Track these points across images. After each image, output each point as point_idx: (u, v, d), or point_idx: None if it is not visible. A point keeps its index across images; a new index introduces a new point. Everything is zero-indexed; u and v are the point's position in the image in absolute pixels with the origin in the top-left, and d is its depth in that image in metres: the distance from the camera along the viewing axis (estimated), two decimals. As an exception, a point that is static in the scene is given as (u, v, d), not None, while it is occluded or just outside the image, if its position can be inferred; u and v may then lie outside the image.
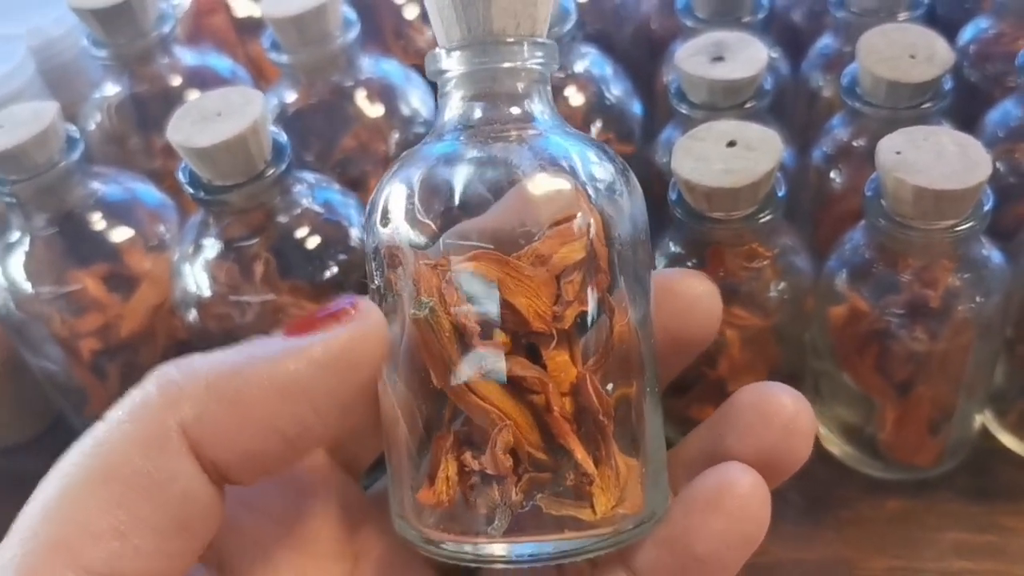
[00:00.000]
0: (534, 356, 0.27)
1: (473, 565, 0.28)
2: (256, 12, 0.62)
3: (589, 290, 0.28)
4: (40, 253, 0.49)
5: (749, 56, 0.48)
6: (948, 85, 0.47)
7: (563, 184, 0.28)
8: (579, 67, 0.53)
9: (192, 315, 0.47)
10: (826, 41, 0.56)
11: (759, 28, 0.55)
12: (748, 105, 0.48)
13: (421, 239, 0.28)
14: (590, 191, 0.28)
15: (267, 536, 0.29)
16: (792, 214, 0.49)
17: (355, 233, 0.47)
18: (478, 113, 0.30)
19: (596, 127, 0.53)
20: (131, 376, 0.51)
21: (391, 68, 0.55)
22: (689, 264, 0.46)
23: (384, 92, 0.54)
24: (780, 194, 0.43)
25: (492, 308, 0.27)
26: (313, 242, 0.46)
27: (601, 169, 0.29)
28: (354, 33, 0.52)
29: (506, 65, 0.29)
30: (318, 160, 0.54)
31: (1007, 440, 0.52)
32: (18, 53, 0.58)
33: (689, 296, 0.31)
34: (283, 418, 0.25)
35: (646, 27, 0.64)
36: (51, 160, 0.46)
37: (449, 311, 0.27)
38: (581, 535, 0.27)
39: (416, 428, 0.28)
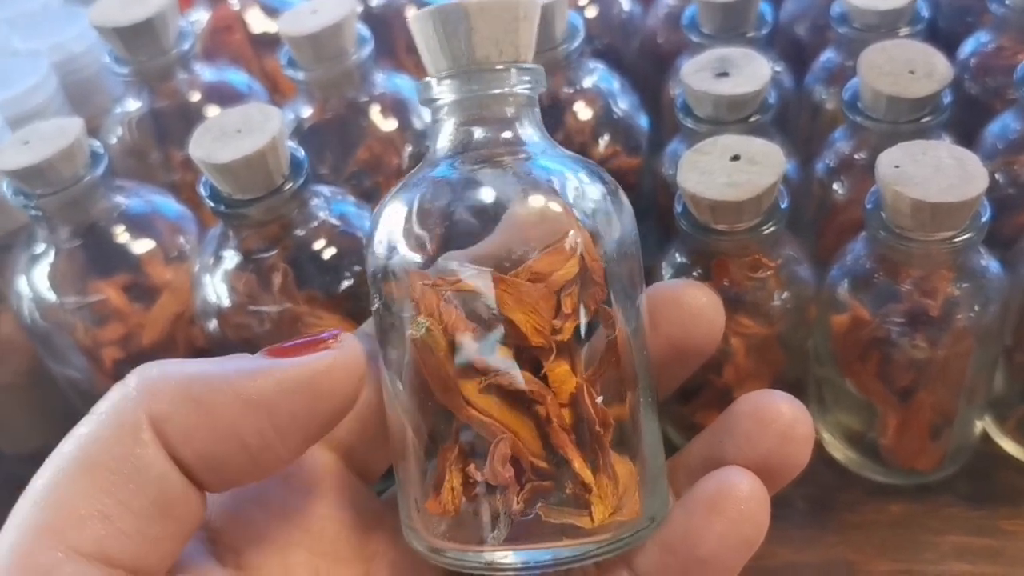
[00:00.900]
0: (536, 368, 0.28)
1: (477, 573, 0.29)
2: (271, 28, 0.64)
3: (586, 303, 0.29)
4: (64, 264, 0.51)
5: (753, 71, 0.49)
6: (947, 99, 0.48)
7: (554, 205, 0.29)
8: (587, 82, 0.54)
9: (212, 324, 0.48)
10: (829, 55, 0.57)
11: (763, 43, 0.56)
12: (752, 119, 0.49)
13: (419, 260, 0.29)
14: (579, 211, 0.29)
15: (283, 537, 0.30)
16: (795, 225, 0.50)
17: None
18: (469, 139, 0.31)
19: (604, 140, 0.54)
20: (152, 384, 0.52)
21: (404, 83, 0.57)
22: (695, 274, 0.47)
23: (397, 107, 0.55)
24: (783, 206, 0.44)
25: (491, 324, 0.28)
26: (329, 253, 0.47)
27: (591, 189, 0.30)
28: (368, 50, 0.53)
29: (493, 92, 0.30)
30: (332, 173, 0.55)
31: (1007, 445, 0.52)
32: (41, 69, 0.60)
33: (692, 307, 0.32)
34: (243, 428, 0.27)
35: (652, 41, 0.65)
36: (76, 175, 0.47)
37: (447, 329, 0.28)
38: (579, 542, 0.28)
39: (422, 440, 0.29)
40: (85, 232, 0.50)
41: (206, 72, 0.58)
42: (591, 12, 0.63)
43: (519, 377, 0.28)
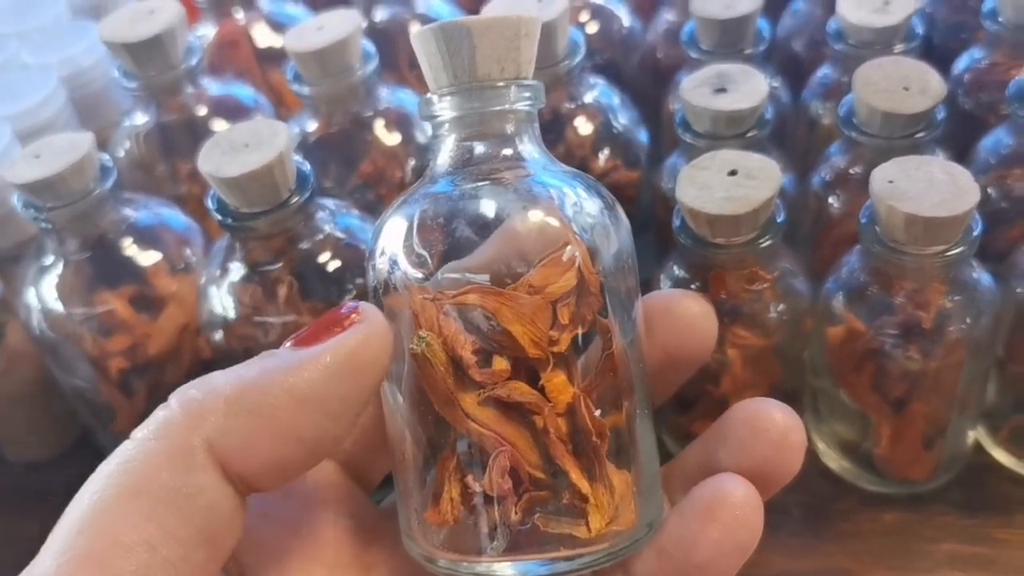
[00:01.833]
0: (533, 379, 0.29)
1: None
2: (277, 43, 0.65)
3: (583, 314, 0.29)
4: (72, 276, 0.51)
5: (751, 88, 0.49)
6: (941, 115, 0.48)
7: (552, 219, 0.30)
8: (588, 98, 0.55)
9: (218, 335, 0.49)
10: (825, 71, 0.57)
11: (761, 59, 0.57)
12: (750, 134, 0.50)
13: (418, 275, 0.29)
14: (577, 225, 0.30)
15: (283, 546, 0.31)
16: (792, 237, 0.51)
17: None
18: (470, 155, 0.31)
19: (604, 155, 0.55)
20: (158, 393, 0.53)
21: (407, 98, 0.57)
22: (693, 286, 0.47)
23: (401, 121, 0.56)
24: (779, 220, 0.45)
25: (490, 337, 0.28)
26: (334, 266, 0.48)
27: (589, 204, 0.31)
28: (373, 65, 0.54)
29: (493, 108, 0.30)
30: (336, 186, 0.56)
31: (999, 455, 0.53)
32: (50, 83, 0.60)
33: (686, 316, 0.33)
34: (302, 425, 0.27)
35: (652, 56, 0.65)
36: (86, 188, 0.48)
37: (447, 343, 0.28)
38: (577, 552, 0.28)
39: (422, 450, 0.30)
40: (93, 244, 0.51)
41: (213, 86, 0.59)
42: (592, 28, 0.64)
43: (517, 389, 0.28)
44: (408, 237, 0.30)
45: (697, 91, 0.50)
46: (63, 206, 0.48)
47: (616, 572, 0.31)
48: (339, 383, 0.27)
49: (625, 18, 0.66)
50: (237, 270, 0.48)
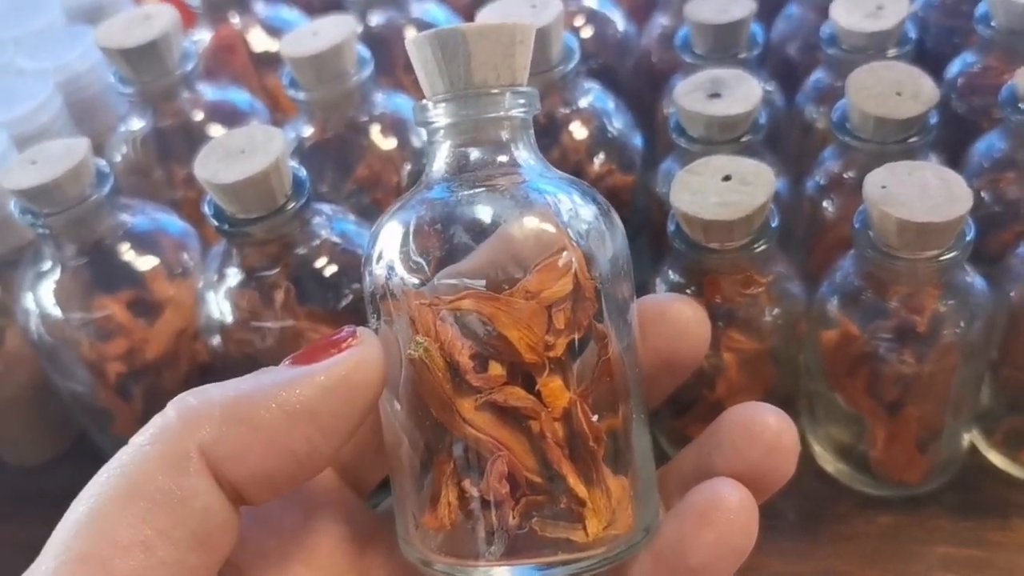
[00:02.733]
0: (530, 384, 0.29)
1: None
2: (273, 47, 0.65)
3: (578, 319, 0.29)
4: (70, 281, 0.52)
5: (745, 93, 0.50)
6: (933, 120, 0.49)
7: (548, 225, 0.30)
8: (583, 102, 0.55)
9: (216, 340, 0.49)
10: (819, 76, 0.58)
11: (755, 63, 0.57)
12: (744, 139, 0.50)
13: (415, 280, 0.30)
14: (573, 231, 0.30)
15: (280, 552, 0.31)
16: (786, 241, 0.51)
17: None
18: (465, 161, 0.31)
19: (599, 159, 0.55)
20: (155, 397, 0.53)
21: (403, 103, 0.57)
22: (687, 291, 0.48)
23: (396, 126, 0.56)
24: (773, 225, 0.45)
25: (486, 342, 0.29)
26: (330, 271, 0.48)
27: (584, 210, 0.31)
28: (368, 71, 0.54)
29: (489, 115, 0.31)
30: (332, 191, 0.56)
31: (994, 458, 0.53)
32: (46, 88, 0.61)
33: (680, 320, 0.33)
34: (293, 438, 0.27)
35: (647, 60, 0.66)
36: (83, 194, 0.48)
37: (444, 348, 0.29)
38: (574, 556, 0.29)
39: (418, 455, 0.30)
40: (91, 249, 0.51)
41: (209, 91, 0.59)
42: (586, 32, 0.64)
43: (513, 394, 0.29)
44: (405, 243, 0.30)
45: (691, 96, 0.50)
46: (60, 212, 0.48)
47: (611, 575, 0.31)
48: (332, 401, 0.28)
49: (619, 22, 0.66)
50: (234, 275, 0.48)
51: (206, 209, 0.46)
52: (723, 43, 0.56)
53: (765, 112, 0.51)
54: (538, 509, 0.29)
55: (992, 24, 0.53)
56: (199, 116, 0.58)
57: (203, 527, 0.26)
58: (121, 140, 0.59)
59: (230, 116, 0.59)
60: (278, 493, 0.28)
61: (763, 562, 0.50)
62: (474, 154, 0.31)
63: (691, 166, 0.45)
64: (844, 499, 0.53)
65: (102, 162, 0.50)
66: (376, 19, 0.64)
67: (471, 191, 0.31)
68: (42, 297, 0.52)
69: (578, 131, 0.55)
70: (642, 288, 0.38)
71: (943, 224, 0.41)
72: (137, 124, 0.59)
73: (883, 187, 0.43)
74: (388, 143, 0.56)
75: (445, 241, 0.30)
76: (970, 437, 0.54)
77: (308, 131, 0.56)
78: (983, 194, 0.51)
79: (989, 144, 0.52)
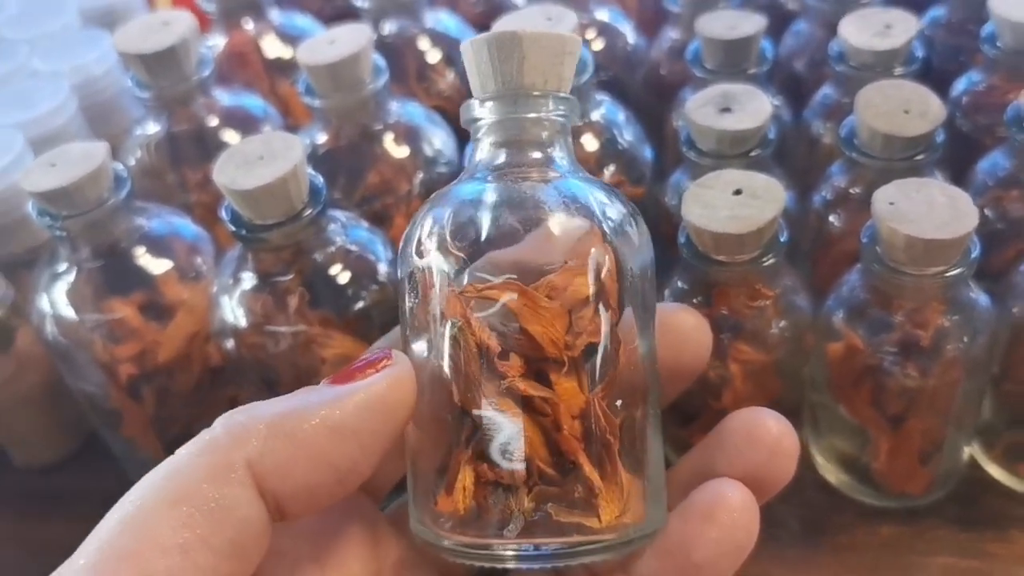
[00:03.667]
0: (543, 382, 0.30)
1: (487, 565, 0.31)
2: (286, 54, 0.65)
3: (599, 322, 0.30)
4: (84, 283, 0.52)
5: (755, 108, 0.50)
6: (940, 138, 0.49)
7: (581, 222, 0.31)
8: (595, 115, 0.56)
9: (229, 344, 0.49)
10: (827, 91, 0.58)
11: (763, 79, 0.58)
12: (753, 153, 0.50)
13: (451, 267, 0.31)
14: (605, 229, 0.31)
15: (301, 555, 0.32)
16: (793, 254, 0.51)
17: (382, 269, 0.49)
18: (505, 157, 0.33)
19: (609, 171, 0.56)
20: (166, 399, 0.54)
21: (416, 111, 0.58)
22: (695, 301, 0.48)
23: (409, 134, 0.57)
24: (782, 239, 0.46)
25: (510, 334, 0.30)
26: (344, 277, 0.48)
27: (614, 210, 0.32)
28: (384, 79, 0.54)
29: (532, 116, 0.32)
30: (343, 197, 0.56)
31: (994, 471, 0.54)
32: (61, 91, 0.61)
33: (683, 329, 0.35)
34: (336, 454, 0.29)
35: (656, 73, 0.66)
36: (101, 197, 0.48)
37: (475, 332, 0.30)
38: (587, 539, 0.30)
39: (438, 442, 0.31)
40: (106, 252, 0.51)
41: (224, 97, 0.60)
42: (597, 45, 0.65)
43: (533, 385, 0.30)
44: (442, 231, 0.31)
45: (702, 111, 0.51)
46: (78, 215, 0.48)
47: (617, 572, 0.32)
48: (371, 419, 0.29)
49: (629, 35, 0.67)
50: (248, 280, 0.48)
51: (223, 214, 0.46)
52: (733, 58, 0.57)
53: (773, 127, 0.52)
54: (552, 499, 0.30)
55: (998, 44, 0.54)
56: (213, 121, 0.59)
57: (240, 537, 0.27)
58: (136, 144, 0.60)
59: (244, 122, 0.59)
60: (316, 508, 0.30)
61: (765, 571, 0.51)
62: (515, 151, 0.33)
63: (702, 179, 0.46)
64: (846, 510, 0.53)
65: (119, 166, 0.51)
66: (389, 28, 0.64)
67: (507, 184, 0.32)
68: (56, 298, 0.52)
69: (589, 143, 0.55)
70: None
71: (950, 241, 0.42)
72: (152, 128, 0.59)
73: (891, 203, 0.43)
74: (401, 151, 0.57)
75: (479, 230, 0.31)
76: (970, 450, 0.54)
77: (322, 138, 0.56)
78: (987, 212, 0.52)
79: (993, 162, 0.53)
